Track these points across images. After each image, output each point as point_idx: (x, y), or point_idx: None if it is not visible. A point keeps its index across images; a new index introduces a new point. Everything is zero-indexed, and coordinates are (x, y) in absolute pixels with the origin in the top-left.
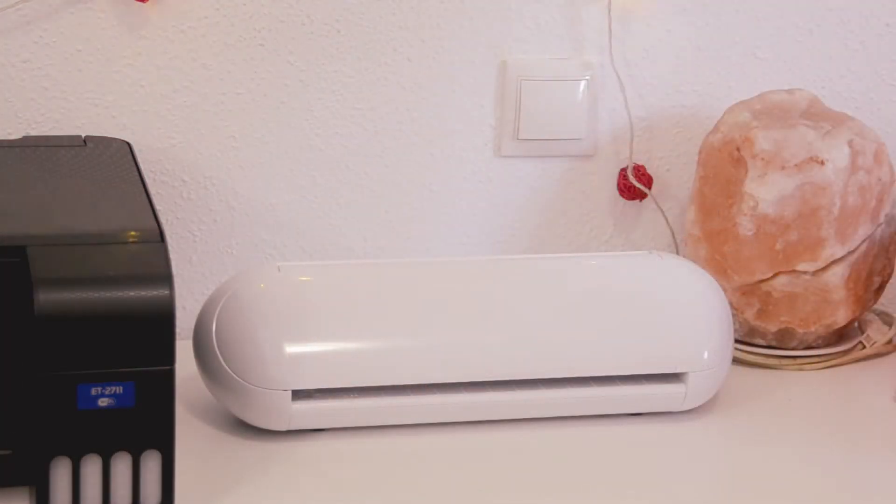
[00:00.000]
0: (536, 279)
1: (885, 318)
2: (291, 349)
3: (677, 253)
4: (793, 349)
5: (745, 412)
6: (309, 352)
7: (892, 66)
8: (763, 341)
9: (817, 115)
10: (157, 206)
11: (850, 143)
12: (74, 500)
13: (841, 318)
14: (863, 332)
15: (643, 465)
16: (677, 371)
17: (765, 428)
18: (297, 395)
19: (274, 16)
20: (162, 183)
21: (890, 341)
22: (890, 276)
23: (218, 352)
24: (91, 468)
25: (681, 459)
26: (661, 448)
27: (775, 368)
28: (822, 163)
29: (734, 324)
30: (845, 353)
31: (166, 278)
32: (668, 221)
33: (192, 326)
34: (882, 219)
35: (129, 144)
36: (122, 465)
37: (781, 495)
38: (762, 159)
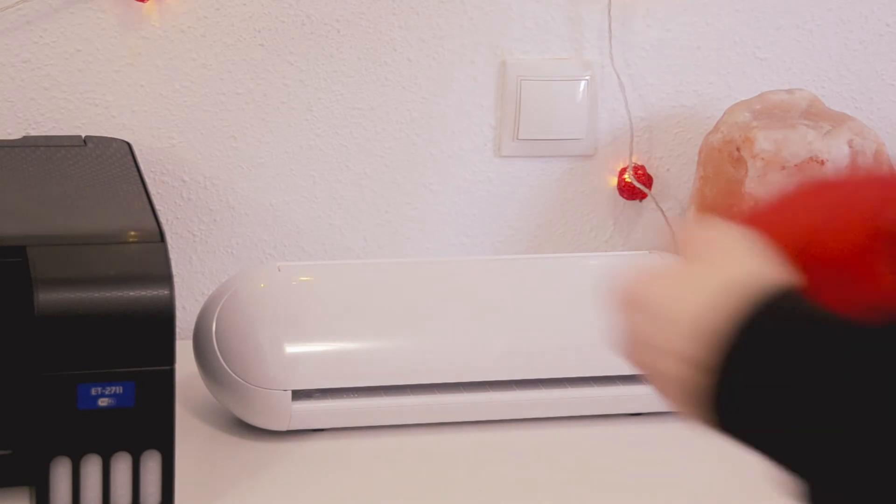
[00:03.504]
0: (536, 279)
1: None
2: (291, 349)
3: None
4: None
5: None
6: (309, 352)
7: (892, 66)
8: None
9: (817, 115)
10: (157, 206)
11: (850, 143)
12: (74, 500)
13: None
14: None
15: (643, 465)
16: None
17: None
18: (297, 395)
19: (274, 16)
20: (162, 183)
21: None
22: None
23: (218, 352)
24: (91, 468)
25: (681, 459)
26: (661, 448)
27: None
28: (822, 163)
29: None
30: None
31: (166, 278)
32: (668, 221)
33: (192, 326)
34: None
35: (129, 144)
36: (122, 466)
37: (781, 495)
38: (762, 159)
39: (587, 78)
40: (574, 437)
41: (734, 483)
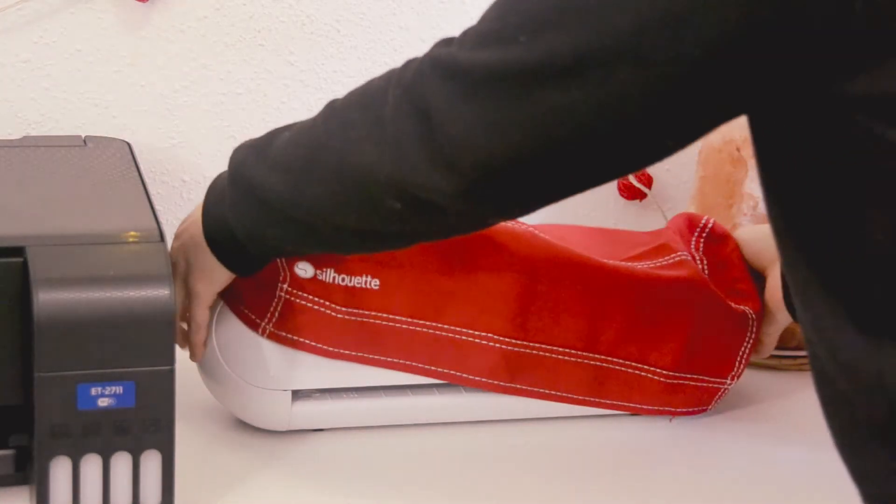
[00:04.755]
0: None
1: None
2: (291, 349)
3: None
4: (793, 349)
5: (745, 412)
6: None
7: None
8: None
9: None
10: (157, 206)
11: None
12: (74, 500)
13: None
14: None
15: (643, 465)
16: None
17: (765, 428)
18: (297, 395)
19: (274, 16)
20: (162, 183)
21: None
22: None
23: (218, 352)
24: (91, 468)
25: (681, 459)
26: (661, 448)
27: (775, 369)
28: None
29: None
30: None
31: (166, 278)
32: (668, 221)
33: None
34: None
35: (129, 144)
36: (121, 465)
37: (781, 495)
38: None
39: None
40: (574, 437)
41: (734, 483)
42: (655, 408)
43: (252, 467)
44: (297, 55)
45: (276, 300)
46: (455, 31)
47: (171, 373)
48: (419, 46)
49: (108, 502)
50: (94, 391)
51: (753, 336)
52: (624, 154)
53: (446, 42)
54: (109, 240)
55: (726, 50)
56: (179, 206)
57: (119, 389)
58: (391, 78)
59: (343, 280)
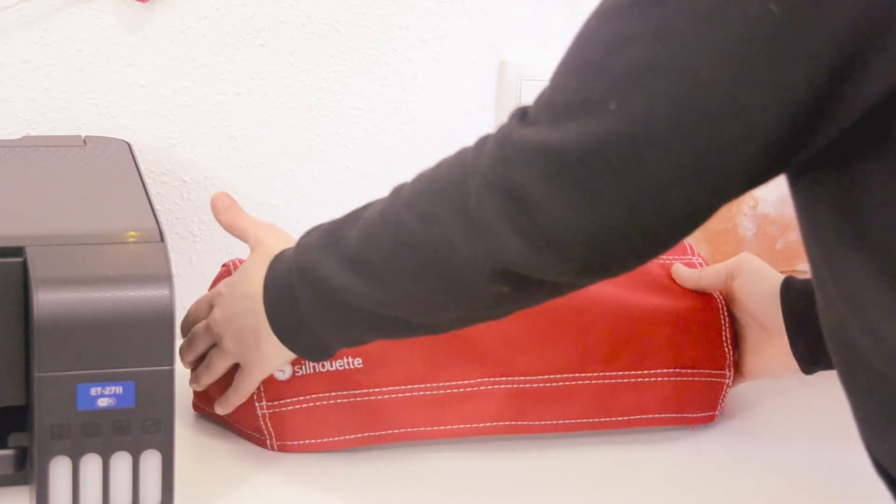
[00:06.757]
0: None
1: None
2: None
3: None
4: None
5: (745, 413)
6: None
7: None
8: None
9: None
10: (157, 206)
11: None
12: (74, 500)
13: None
14: None
15: (643, 466)
16: None
17: (765, 428)
18: None
19: (274, 16)
20: (162, 183)
21: None
22: None
23: None
24: (91, 468)
25: (681, 459)
26: (661, 448)
27: None
28: None
29: None
30: None
31: (166, 278)
32: None
33: None
34: None
35: (129, 144)
36: (121, 465)
37: (782, 496)
38: None
39: None
40: (575, 438)
41: (734, 484)
42: (670, 415)
43: (252, 468)
44: (297, 55)
45: (261, 419)
46: (454, 31)
47: (171, 373)
48: (419, 46)
49: (107, 502)
50: (93, 391)
51: (727, 319)
52: (728, 198)
53: (520, 116)
54: (109, 240)
55: (822, 84)
56: (179, 206)
57: (119, 389)
58: (465, 164)
59: (324, 367)
